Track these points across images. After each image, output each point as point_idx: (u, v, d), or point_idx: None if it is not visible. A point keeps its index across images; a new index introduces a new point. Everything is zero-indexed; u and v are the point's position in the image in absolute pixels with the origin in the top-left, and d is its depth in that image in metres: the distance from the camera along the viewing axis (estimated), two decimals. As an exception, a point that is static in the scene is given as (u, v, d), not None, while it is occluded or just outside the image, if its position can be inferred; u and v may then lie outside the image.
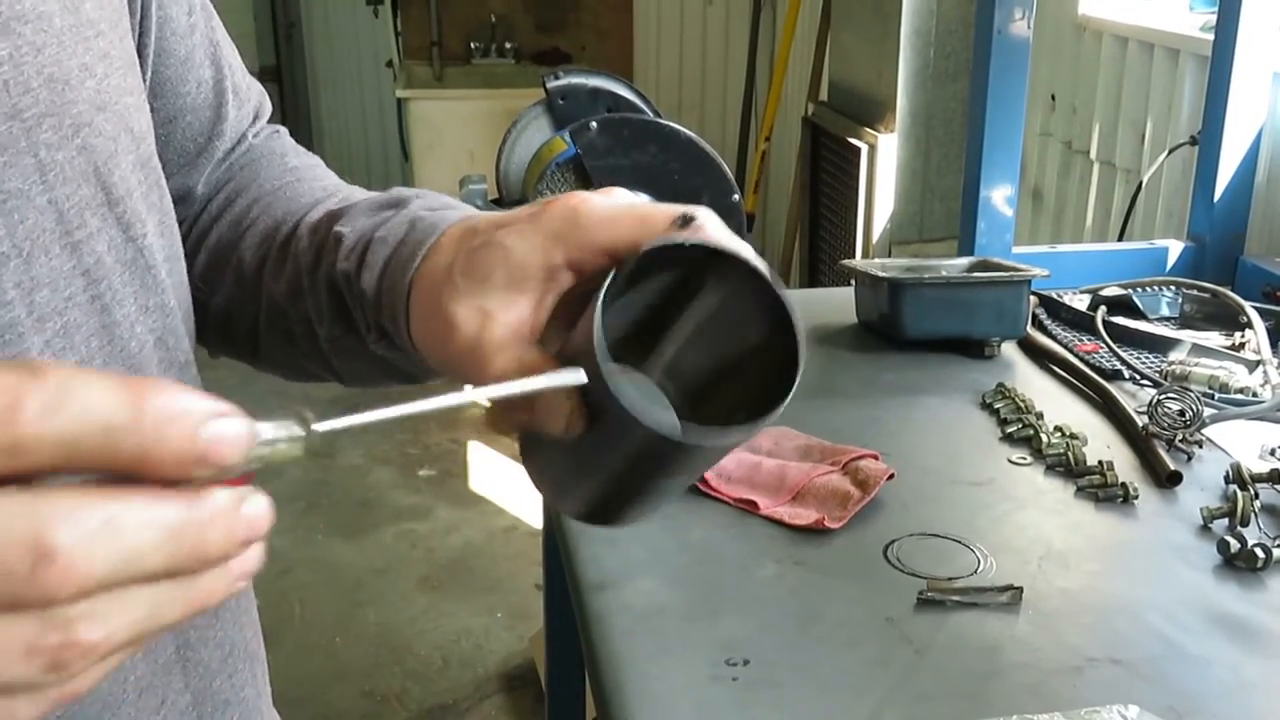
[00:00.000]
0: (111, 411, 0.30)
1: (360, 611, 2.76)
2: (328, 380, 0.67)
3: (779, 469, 1.08)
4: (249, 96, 0.74)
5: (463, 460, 3.59)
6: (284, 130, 0.78)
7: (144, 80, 0.61)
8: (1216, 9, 1.73)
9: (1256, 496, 1.02)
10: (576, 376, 0.46)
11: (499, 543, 3.14)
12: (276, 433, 0.34)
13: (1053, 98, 2.68)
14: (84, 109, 0.51)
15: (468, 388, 0.43)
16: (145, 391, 0.31)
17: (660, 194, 1.38)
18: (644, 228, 0.48)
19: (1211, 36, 1.74)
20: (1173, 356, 1.39)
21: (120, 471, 0.30)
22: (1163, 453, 1.12)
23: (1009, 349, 1.45)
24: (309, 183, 0.70)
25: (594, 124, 1.38)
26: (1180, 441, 1.15)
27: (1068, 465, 1.12)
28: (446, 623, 2.80)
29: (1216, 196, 1.70)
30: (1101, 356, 1.40)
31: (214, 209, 0.70)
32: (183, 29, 0.66)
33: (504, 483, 3.38)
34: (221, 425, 0.32)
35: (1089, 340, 1.46)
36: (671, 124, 1.38)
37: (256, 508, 0.33)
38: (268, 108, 0.76)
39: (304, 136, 5.56)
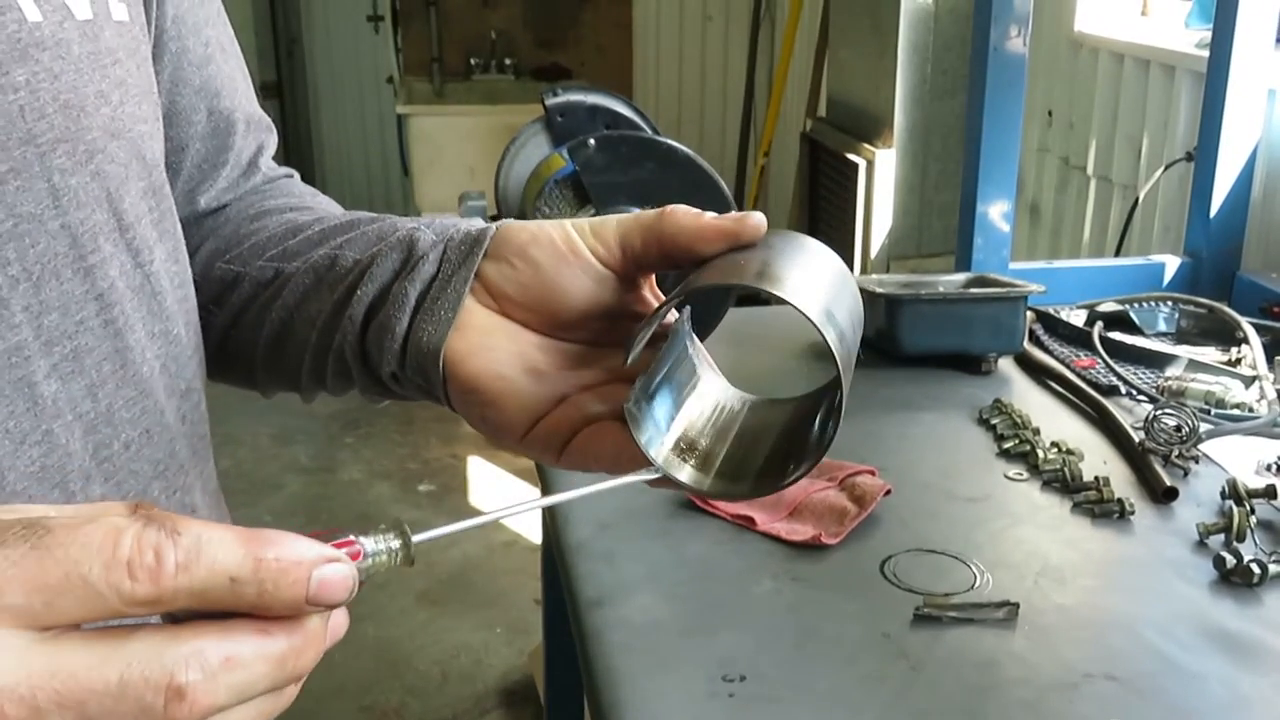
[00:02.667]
0: (236, 565, 0.34)
1: (359, 626, 2.75)
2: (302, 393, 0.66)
3: (776, 485, 1.08)
4: (259, 127, 0.74)
5: (462, 475, 3.59)
6: (296, 174, 0.78)
7: (159, 109, 0.61)
8: (1212, 26, 1.73)
9: (1252, 512, 1.02)
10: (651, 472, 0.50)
11: (498, 558, 3.14)
12: (378, 547, 0.38)
13: (1049, 114, 2.69)
14: (98, 135, 0.51)
15: (551, 495, 0.48)
16: (263, 544, 0.35)
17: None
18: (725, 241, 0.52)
19: (1207, 53, 1.75)
20: (1169, 372, 1.39)
21: (240, 613, 0.35)
22: (1159, 468, 1.12)
23: (1006, 364, 1.45)
24: (324, 214, 0.70)
25: (592, 141, 1.38)
26: (1177, 457, 1.15)
27: (1064, 481, 1.12)
28: (446, 637, 2.79)
29: (1213, 212, 1.71)
30: (1098, 372, 1.40)
31: (225, 234, 0.70)
32: (199, 59, 0.66)
33: (503, 497, 3.38)
34: (329, 571, 0.36)
35: (1086, 356, 1.46)
36: (669, 141, 1.38)
37: (339, 621, 0.38)
38: (273, 141, 0.77)
39: (305, 152, 5.58)
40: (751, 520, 1.04)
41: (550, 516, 1.09)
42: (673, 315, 0.57)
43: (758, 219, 0.52)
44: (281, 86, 5.44)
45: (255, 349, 0.65)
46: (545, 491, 0.54)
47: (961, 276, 1.55)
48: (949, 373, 1.41)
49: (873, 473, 1.11)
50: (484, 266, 0.55)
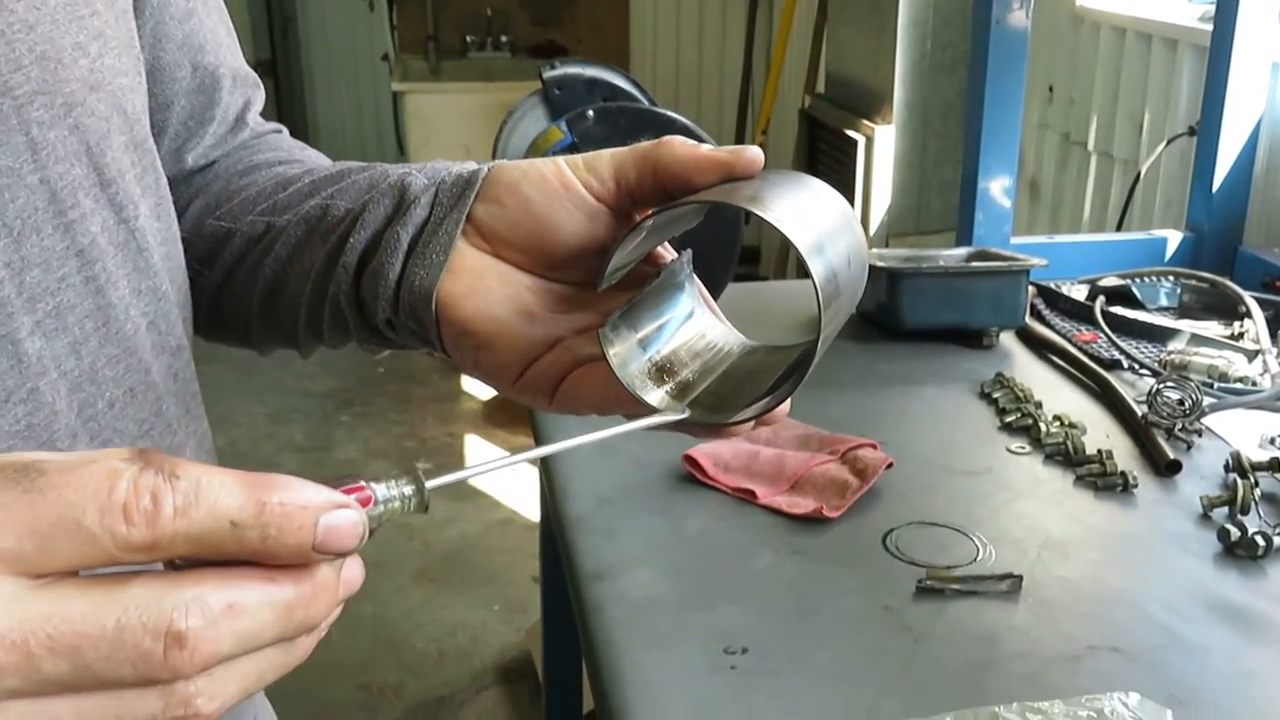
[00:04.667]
0: (238, 509, 0.33)
1: (356, 605, 2.75)
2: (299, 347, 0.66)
3: (777, 458, 1.08)
4: (245, 83, 0.73)
5: (459, 453, 3.59)
6: (284, 130, 0.78)
7: (141, 63, 0.60)
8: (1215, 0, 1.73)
9: (1256, 485, 1.02)
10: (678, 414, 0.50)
11: (495, 536, 3.13)
12: (390, 493, 0.37)
13: (1050, 89, 2.68)
14: (76, 88, 0.50)
15: (575, 439, 0.47)
16: (267, 488, 0.33)
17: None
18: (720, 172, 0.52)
19: (1210, 27, 1.74)
20: (1172, 346, 1.39)
21: (244, 560, 0.34)
22: (1162, 442, 1.11)
23: (1007, 339, 1.45)
24: (313, 166, 0.69)
25: (590, 113, 1.37)
26: (1180, 430, 1.15)
27: (1067, 454, 1.11)
28: (443, 616, 2.79)
29: (1215, 186, 1.70)
30: (1100, 346, 1.40)
31: (214, 190, 0.69)
32: (181, 12, 0.65)
33: (500, 477, 3.37)
34: (337, 518, 0.34)
35: (1087, 330, 1.45)
36: (668, 112, 1.37)
37: (353, 572, 0.36)
38: (261, 97, 0.76)
39: (299, 131, 5.55)
40: (752, 494, 1.04)
41: (549, 491, 1.08)
42: (670, 255, 0.56)
43: (754, 152, 0.51)
44: (276, 65, 5.41)
45: (250, 305, 0.64)
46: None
47: (963, 251, 1.54)
48: (950, 347, 1.41)
49: (874, 446, 1.10)
50: (476, 208, 0.54)
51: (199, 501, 0.32)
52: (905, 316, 1.42)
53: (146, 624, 0.32)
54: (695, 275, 0.57)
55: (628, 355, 0.51)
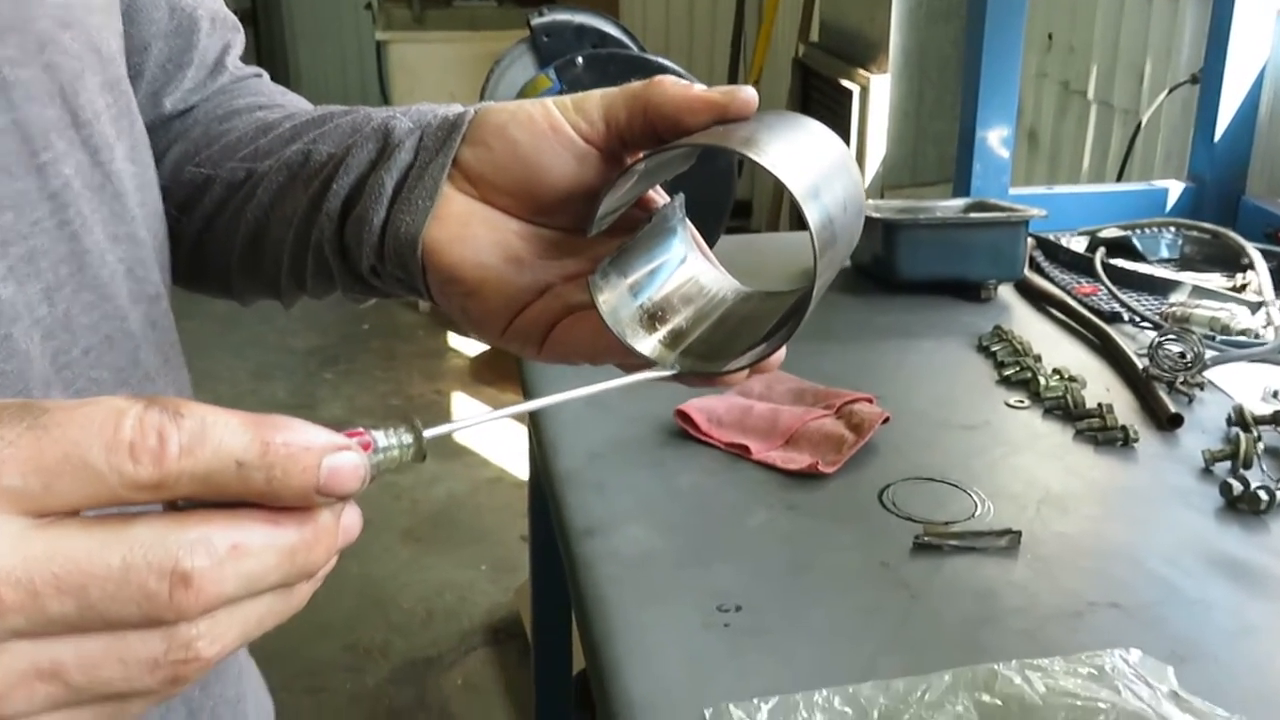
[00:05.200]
0: (243, 449, 0.33)
1: (343, 564, 2.73)
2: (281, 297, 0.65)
3: (771, 413, 1.07)
4: (224, 25, 0.72)
5: (446, 411, 3.58)
6: (265, 74, 0.77)
7: (116, 2, 0.59)
8: (1220, -58, 1.70)
9: (1259, 439, 1.02)
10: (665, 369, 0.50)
11: (483, 495, 3.14)
12: (389, 440, 0.38)
13: (1049, 37, 2.65)
14: (48, 25, 0.49)
15: (573, 390, 0.47)
16: (272, 428, 0.34)
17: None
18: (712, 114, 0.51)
19: (1214, -29, 1.72)
20: (1173, 298, 1.38)
21: (250, 501, 0.34)
22: (1163, 395, 1.11)
23: (1006, 292, 1.44)
24: (295, 110, 0.68)
25: (580, 59, 1.35)
26: (1181, 384, 1.14)
27: (1066, 408, 1.11)
28: (430, 575, 2.80)
29: (1217, 136, 1.69)
30: (1100, 299, 1.39)
31: (193, 136, 0.68)
32: None
33: (488, 434, 3.37)
34: (340, 460, 0.35)
35: (1087, 283, 1.45)
36: (659, 59, 1.35)
37: (352, 519, 0.37)
38: (240, 40, 0.75)
39: (280, 82, 5.47)
40: (746, 449, 1.03)
41: (538, 447, 1.08)
42: (662, 200, 0.56)
43: (749, 93, 0.51)
44: (257, 14, 5.35)
45: (231, 254, 0.63)
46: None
47: (960, 201, 1.53)
48: (948, 300, 1.40)
49: (870, 400, 1.10)
50: (462, 151, 0.53)
51: (205, 440, 0.32)
52: (901, 269, 1.41)
53: (152, 563, 0.32)
54: (688, 220, 0.56)
55: (618, 302, 0.50)
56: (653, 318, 0.52)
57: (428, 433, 0.39)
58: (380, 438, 0.37)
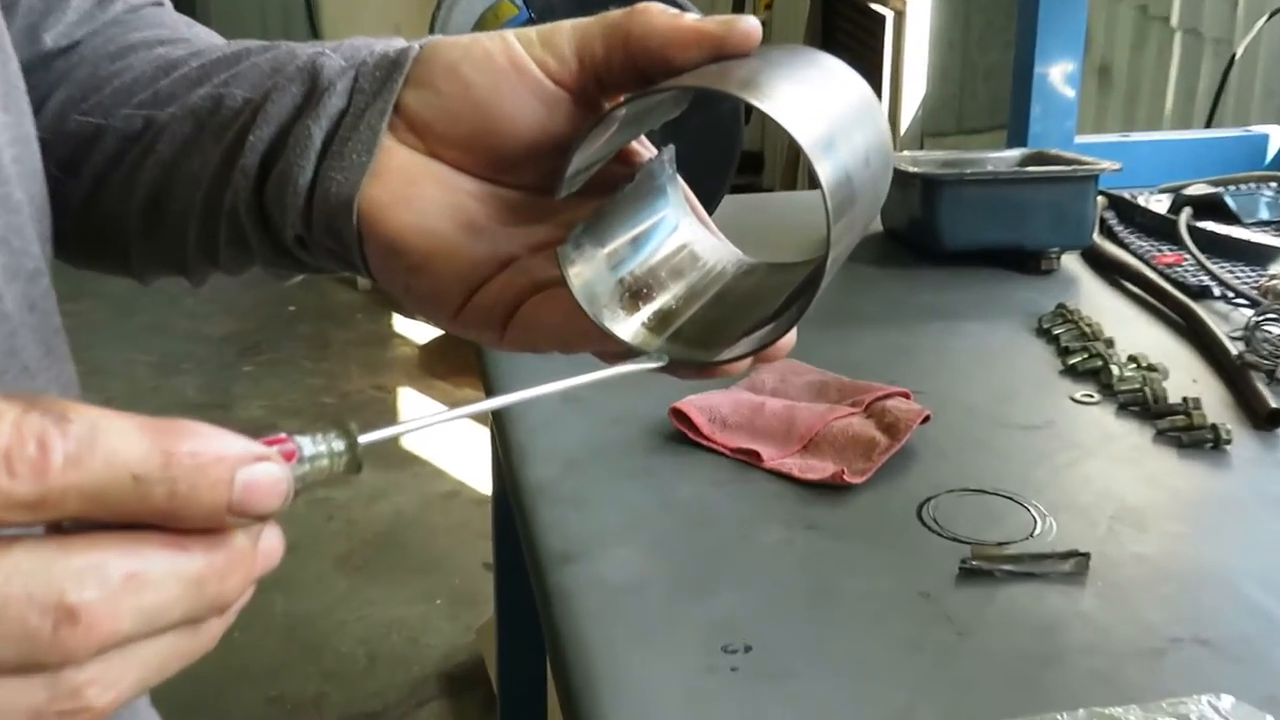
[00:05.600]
0: (140, 459, 0.33)
1: (265, 598, 2.76)
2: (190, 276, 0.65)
3: (786, 412, 1.08)
4: None
5: (391, 411, 3.59)
6: (167, 2, 0.77)
7: None
8: None
9: (1377, 439, 1.03)
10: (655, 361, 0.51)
11: (437, 512, 3.15)
12: (317, 448, 0.38)
13: (1124, -49, 2.67)
14: None
15: (546, 385, 0.47)
16: (175, 435, 0.34)
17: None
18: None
19: None
20: (1274, 270, 1.39)
21: (149, 522, 0.34)
22: (1261, 387, 1.12)
23: (1071, 262, 1.45)
24: (203, 46, 0.68)
25: (551, -19, 1.36)
26: (1283, 373, 1.15)
27: (1144, 404, 1.12)
28: (373, 612, 2.81)
29: (1328, 71, 1.70)
30: (1186, 270, 1.40)
31: (79, 78, 0.68)
32: None
33: (442, 439, 3.38)
34: (257, 472, 0.35)
35: (1170, 250, 1.46)
36: (648, -20, 1.36)
37: (272, 542, 0.37)
38: None
39: (186, 10, 5.47)
40: (756, 455, 1.04)
41: (504, 454, 1.09)
42: (647, 153, 0.56)
43: (750, 23, 0.51)
44: (153, -77, 5.33)
45: (127, 220, 0.63)
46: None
47: (1015, 153, 1.54)
48: (1001, 272, 1.41)
49: (907, 395, 1.11)
50: (405, 95, 0.54)
51: (95, 449, 0.32)
52: (945, 235, 1.42)
53: (33, 596, 0.32)
54: (679, 178, 0.56)
55: (593, 277, 0.51)
56: (636, 296, 0.52)
57: (364, 438, 0.39)
58: (307, 445, 0.38)
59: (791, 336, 0.50)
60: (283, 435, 0.37)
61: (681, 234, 0.55)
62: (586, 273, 0.51)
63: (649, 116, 0.54)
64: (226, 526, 0.35)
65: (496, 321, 0.54)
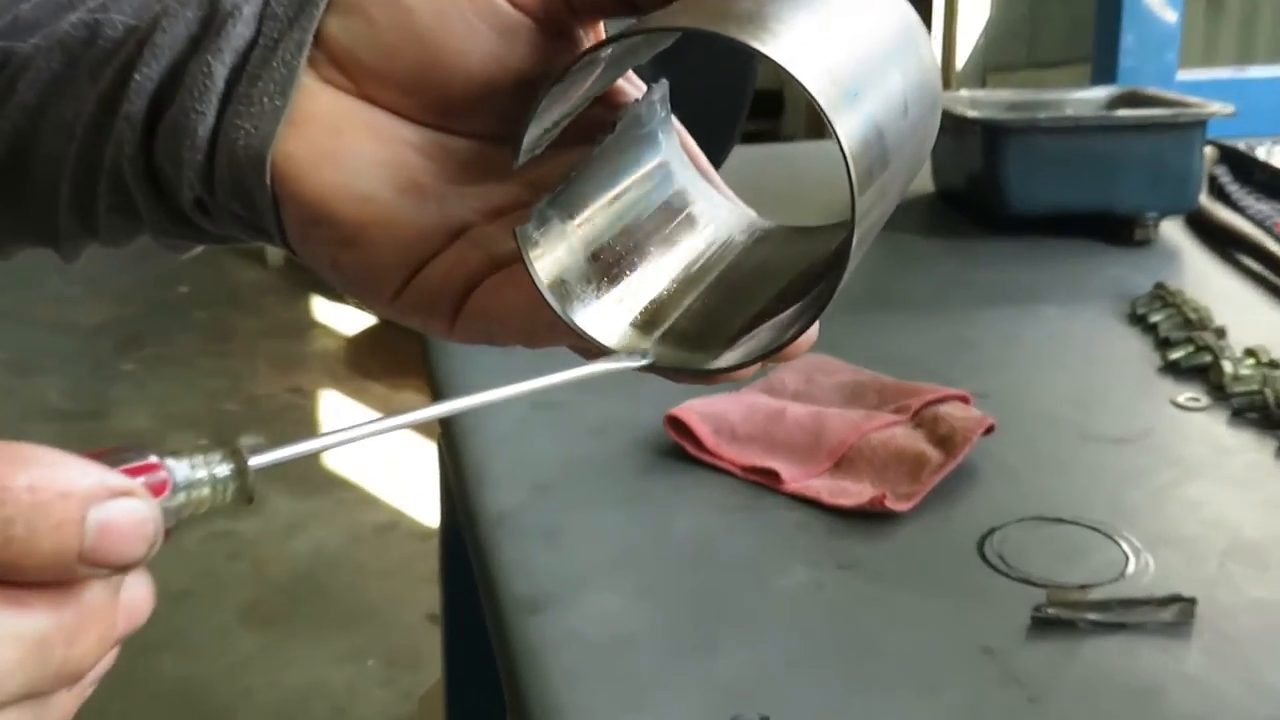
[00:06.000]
0: None
1: (149, 660, 2.75)
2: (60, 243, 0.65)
3: (813, 421, 1.08)
4: None
5: (311, 420, 3.59)
6: None
7: None
8: None
9: None
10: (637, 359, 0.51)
11: (368, 550, 3.14)
12: (195, 474, 0.37)
13: None
14: None
15: (499, 390, 0.47)
16: (12, 465, 0.33)
17: None
18: None
19: None
20: None
21: None
22: None
23: (1172, 230, 1.45)
24: None
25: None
26: None
27: (1264, 409, 1.12)
28: (288, 675, 2.81)
29: None
30: (1317, 241, 1.41)
31: None
32: None
33: (376, 455, 3.38)
34: (115, 511, 0.34)
35: (1297, 216, 1.46)
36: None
37: (137, 594, 0.37)
38: None
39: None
40: (775, 475, 1.04)
41: (456, 476, 1.09)
42: (634, 91, 0.55)
43: None
44: None
45: None
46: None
47: (1102, 92, 1.55)
48: (1083, 244, 1.41)
49: (965, 399, 1.11)
50: (329, 23, 0.53)
51: None
52: (1013, 197, 1.42)
53: None
54: (675, 121, 0.56)
55: (563, 261, 0.51)
56: (617, 280, 0.52)
57: (259, 459, 0.38)
58: (182, 469, 0.37)
59: (812, 331, 0.49)
60: (151, 459, 0.37)
61: (676, 195, 0.55)
62: (554, 257, 0.50)
63: (633, 54, 0.54)
64: (78, 577, 0.35)
65: (446, 306, 0.54)
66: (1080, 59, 2.48)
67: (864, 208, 0.46)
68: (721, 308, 0.52)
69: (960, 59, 2.81)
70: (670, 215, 0.54)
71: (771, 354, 0.49)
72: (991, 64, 2.83)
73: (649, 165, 0.55)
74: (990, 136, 1.42)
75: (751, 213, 0.56)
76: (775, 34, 0.46)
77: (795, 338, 0.49)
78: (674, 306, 0.52)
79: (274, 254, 4.55)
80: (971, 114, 1.43)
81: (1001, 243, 1.42)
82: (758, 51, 0.45)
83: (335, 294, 4.06)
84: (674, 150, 0.56)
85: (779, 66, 0.45)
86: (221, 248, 0.63)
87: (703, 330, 0.51)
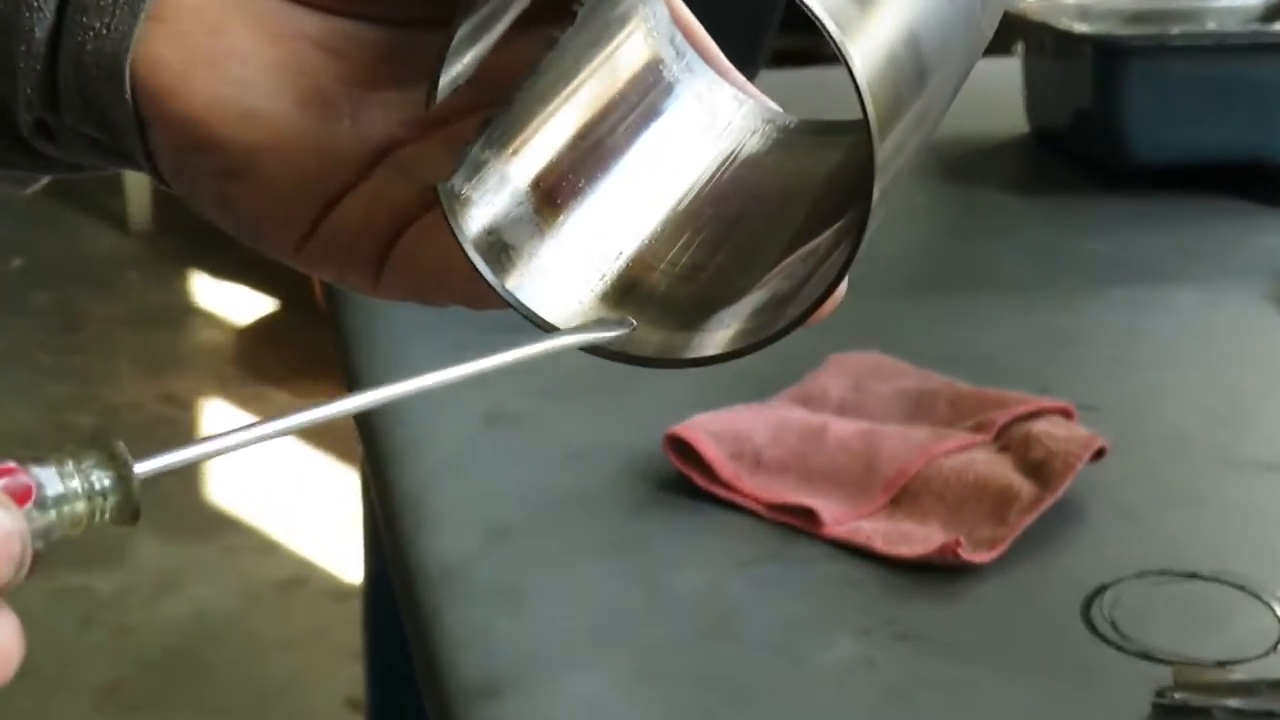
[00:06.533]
0: None
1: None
2: None
3: (863, 442, 1.09)
4: None
5: (189, 438, 3.58)
6: None
7: None
8: None
9: None
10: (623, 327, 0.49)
11: (267, 612, 3.14)
12: (69, 484, 0.38)
13: None
14: None
15: (427, 376, 0.46)
16: None
17: None
18: None
19: None
20: None
21: None
22: None
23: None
24: None
25: None
26: None
27: None
28: (160, 782, 2.81)
29: None
30: None
31: None
32: None
33: (279, 486, 3.38)
34: None
35: None
36: None
37: (4, 641, 0.37)
38: None
39: None
40: (813, 516, 1.04)
41: (386, 513, 1.09)
42: None
43: None
44: None
45: None
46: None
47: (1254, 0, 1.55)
48: (1227, 204, 1.43)
49: (1068, 413, 1.11)
50: None
51: None
52: (1135, 141, 1.42)
53: None
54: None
55: (503, 209, 0.51)
56: (579, 231, 0.52)
57: (145, 465, 0.39)
58: (49, 479, 0.38)
59: (841, 288, 0.47)
60: (9, 463, 0.38)
61: (662, 94, 0.54)
62: (491, 210, 0.50)
63: None
64: None
65: (367, 253, 0.54)
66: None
67: (885, 156, 0.44)
68: (723, 259, 0.52)
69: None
70: (653, 125, 0.54)
71: (776, 336, 0.47)
72: (1109, -42, 2.83)
73: (625, 59, 0.54)
74: (1105, 60, 1.42)
75: (775, 107, 0.55)
76: None
77: (811, 310, 0.46)
78: (656, 260, 0.52)
79: (138, 215, 4.50)
80: (1079, 28, 1.44)
81: (1118, 202, 1.43)
82: None
83: (220, 269, 4.02)
84: (660, 34, 0.54)
85: None
86: (67, 205, 0.63)
87: (698, 294, 0.51)
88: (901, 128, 0.45)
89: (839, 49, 0.43)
